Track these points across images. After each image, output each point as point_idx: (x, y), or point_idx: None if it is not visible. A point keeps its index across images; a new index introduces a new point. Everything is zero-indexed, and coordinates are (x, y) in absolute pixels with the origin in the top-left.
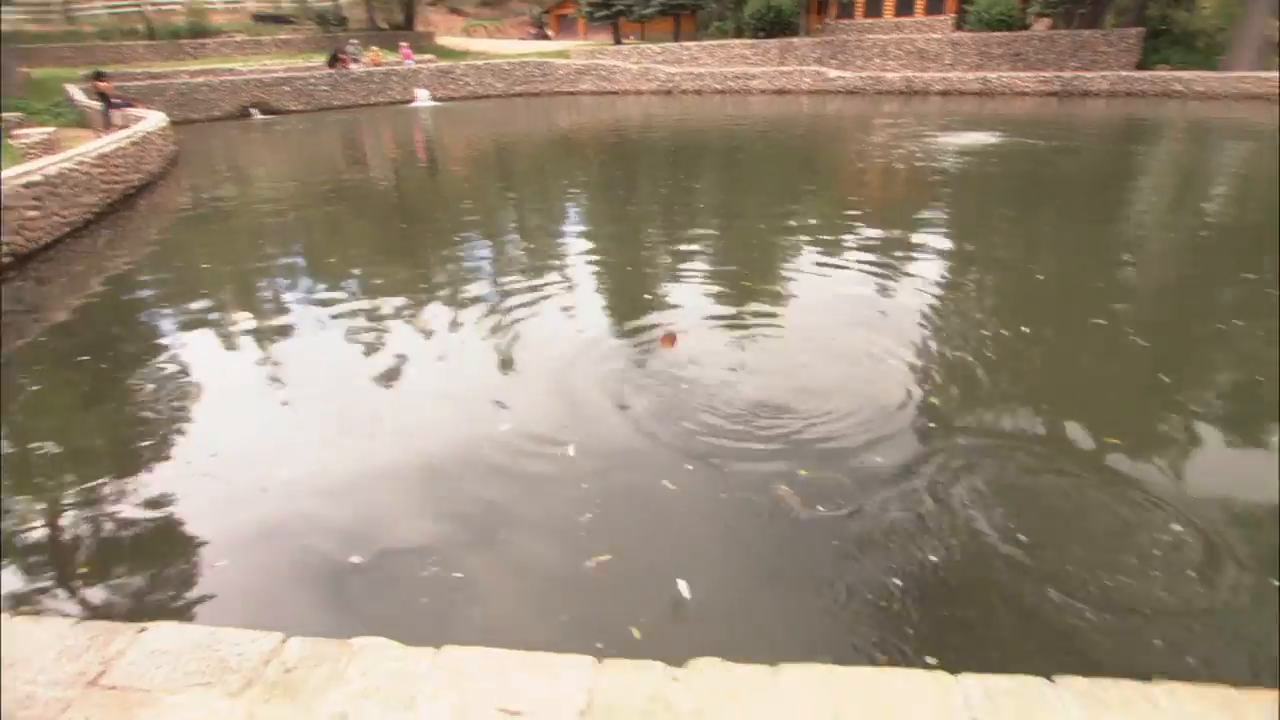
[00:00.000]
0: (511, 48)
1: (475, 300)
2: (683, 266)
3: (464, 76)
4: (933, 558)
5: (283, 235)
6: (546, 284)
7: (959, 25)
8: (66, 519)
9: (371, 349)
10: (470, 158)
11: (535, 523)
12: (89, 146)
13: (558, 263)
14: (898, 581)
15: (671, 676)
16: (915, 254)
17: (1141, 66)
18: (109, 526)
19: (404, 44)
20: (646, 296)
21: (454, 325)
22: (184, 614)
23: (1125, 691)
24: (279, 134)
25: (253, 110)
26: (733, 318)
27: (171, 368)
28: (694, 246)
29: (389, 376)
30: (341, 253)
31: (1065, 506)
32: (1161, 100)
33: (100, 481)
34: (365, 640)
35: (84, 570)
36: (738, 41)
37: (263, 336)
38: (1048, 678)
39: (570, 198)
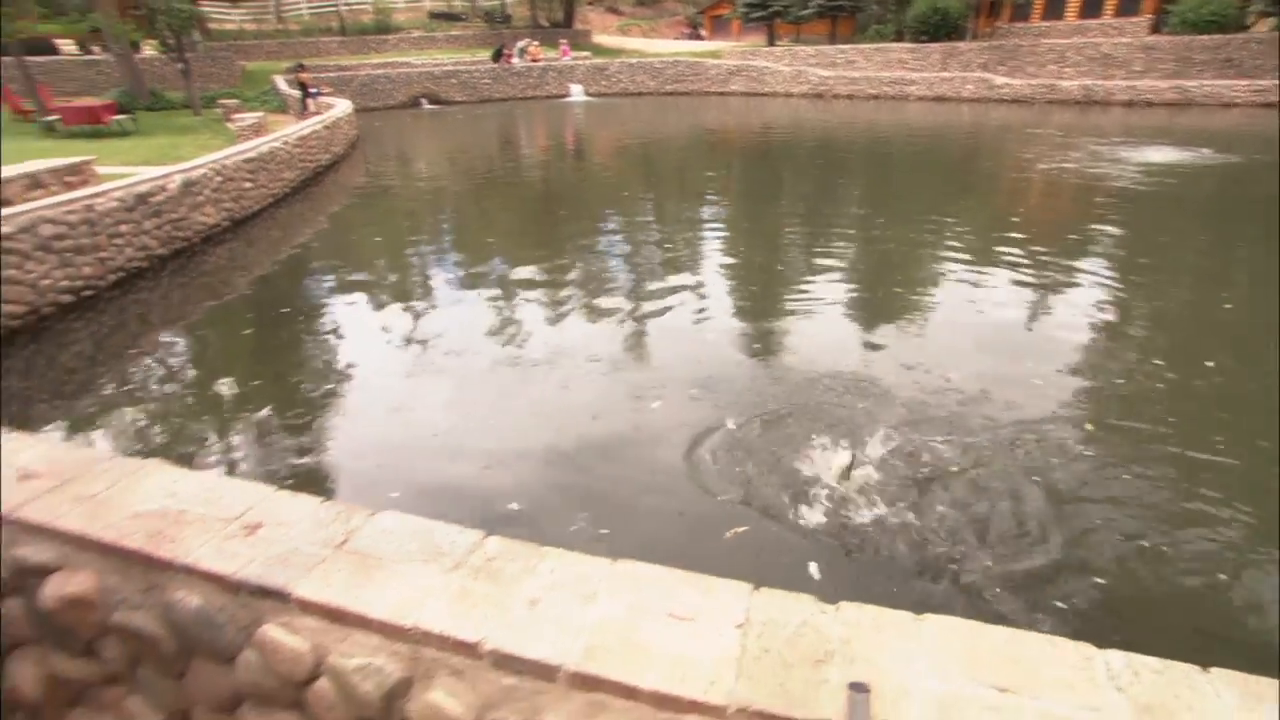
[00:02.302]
0: (665, 47)
1: (612, 288)
2: (819, 272)
3: (617, 74)
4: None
5: (440, 214)
6: (681, 277)
7: (1156, 28)
8: (280, 439)
9: (516, 323)
10: (617, 151)
11: (680, 490)
12: (291, 129)
13: (694, 258)
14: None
15: (820, 609)
16: (1077, 276)
17: None
18: (311, 449)
19: (563, 41)
20: (780, 299)
21: (590, 309)
22: None
23: None
24: (444, 122)
25: (422, 100)
26: (869, 332)
27: (343, 324)
28: (833, 252)
29: (532, 346)
30: (489, 232)
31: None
32: None
33: (301, 413)
34: (550, 549)
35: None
36: (897, 45)
37: (419, 304)
38: (1203, 667)
39: (712, 195)
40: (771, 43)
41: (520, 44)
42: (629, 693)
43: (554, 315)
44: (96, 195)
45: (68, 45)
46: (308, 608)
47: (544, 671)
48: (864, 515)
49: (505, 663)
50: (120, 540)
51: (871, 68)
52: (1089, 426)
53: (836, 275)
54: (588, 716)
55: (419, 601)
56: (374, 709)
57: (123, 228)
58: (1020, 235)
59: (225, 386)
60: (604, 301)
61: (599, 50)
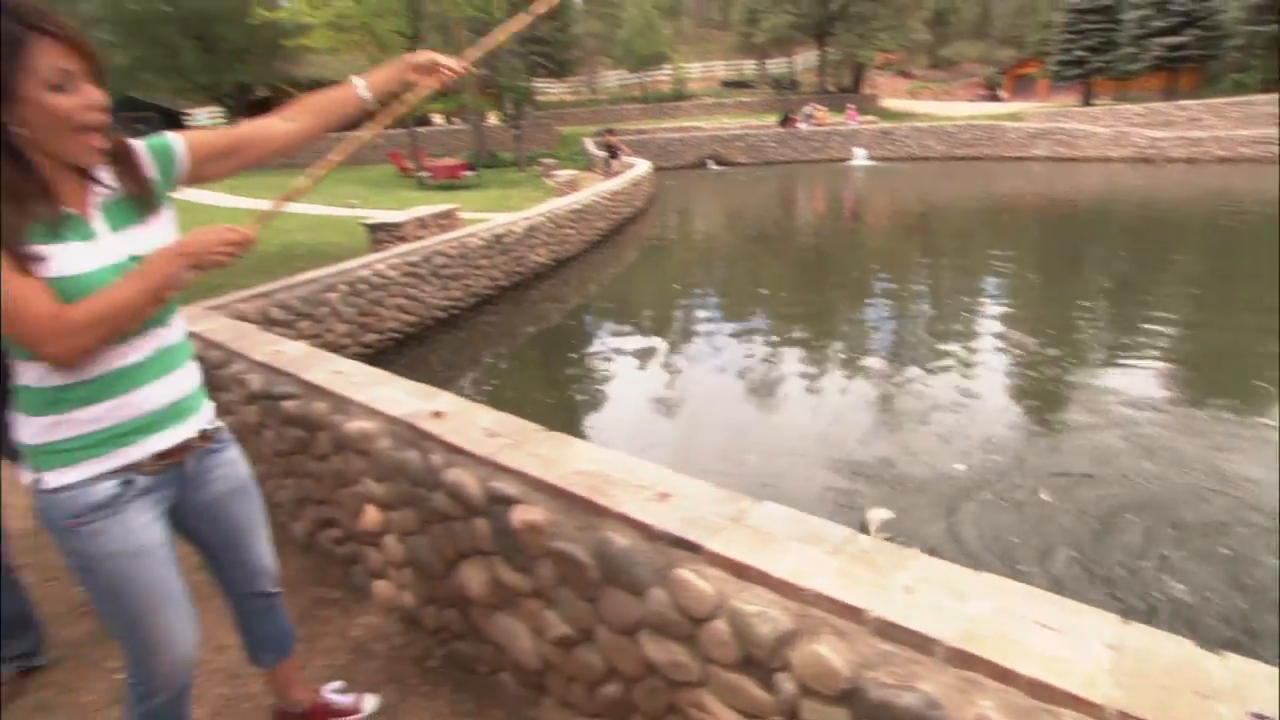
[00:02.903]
0: (958, 110)
1: (879, 353)
2: (1123, 369)
3: (904, 138)
4: None
5: (716, 266)
6: (948, 361)
7: None
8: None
9: (776, 376)
10: (896, 218)
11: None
12: (603, 186)
13: (965, 341)
14: None
15: (1201, 653)
16: None
17: None
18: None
19: (850, 105)
20: (1065, 400)
21: (846, 376)
22: None
23: None
24: (727, 182)
25: (709, 161)
26: (1193, 438)
27: (633, 358)
28: (1143, 350)
29: (790, 399)
30: (760, 286)
31: None
32: None
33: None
34: (917, 552)
35: None
36: (1263, 97)
37: (689, 344)
38: None
39: (995, 272)
40: (1087, 102)
41: (806, 108)
42: (1004, 675)
43: (816, 373)
44: (470, 235)
45: (437, 117)
46: (715, 560)
47: (922, 644)
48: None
49: (885, 630)
50: (567, 487)
51: (1223, 125)
52: None
53: (1147, 368)
54: (961, 690)
55: (808, 571)
56: (763, 650)
57: (482, 261)
58: None
59: (550, 393)
60: (871, 366)
61: (885, 114)
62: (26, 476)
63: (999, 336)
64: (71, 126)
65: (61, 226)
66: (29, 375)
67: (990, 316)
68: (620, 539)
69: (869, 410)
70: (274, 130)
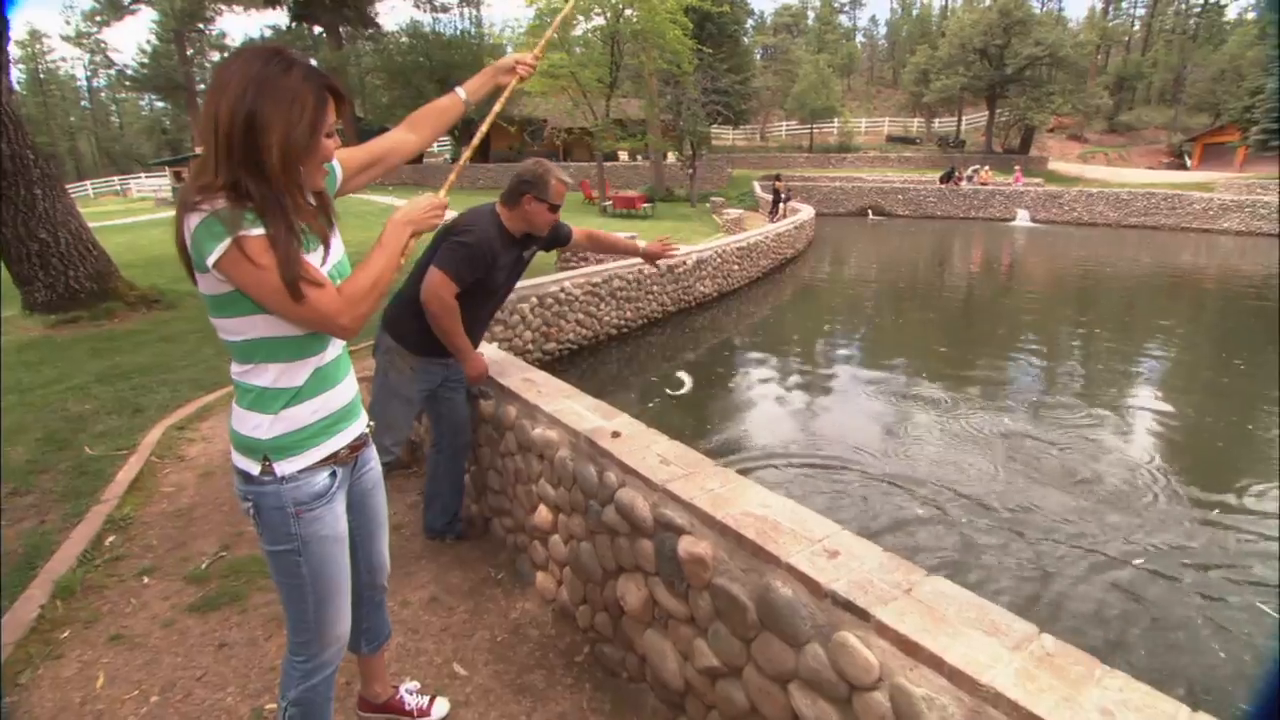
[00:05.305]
0: (1133, 177)
1: (1015, 412)
2: None
3: (1072, 202)
4: None
5: (862, 312)
6: (1088, 427)
7: None
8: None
9: (905, 426)
10: (1053, 282)
11: None
12: (770, 227)
13: (1110, 409)
14: None
15: None
16: None
17: None
18: None
19: (1017, 166)
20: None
21: (981, 430)
22: None
23: None
24: (885, 232)
25: (869, 210)
26: None
27: (778, 390)
28: None
29: (916, 452)
30: (900, 335)
31: None
32: None
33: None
34: (1111, 668)
35: None
36: None
37: (829, 383)
38: None
39: (1155, 346)
40: None
41: (973, 168)
42: None
43: (946, 425)
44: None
45: (623, 154)
46: (884, 631)
47: None
48: None
49: None
50: (735, 526)
51: None
52: None
53: None
54: None
55: (986, 664)
56: None
57: (654, 288)
58: None
59: (700, 411)
60: (1007, 424)
61: (1052, 177)
62: (253, 467)
63: (1143, 408)
64: (324, 162)
65: (305, 240)
66: (264, 378)
67: (1140, 393)
68: (784, 589)
69: (985, 459)
70: (404, 141)
